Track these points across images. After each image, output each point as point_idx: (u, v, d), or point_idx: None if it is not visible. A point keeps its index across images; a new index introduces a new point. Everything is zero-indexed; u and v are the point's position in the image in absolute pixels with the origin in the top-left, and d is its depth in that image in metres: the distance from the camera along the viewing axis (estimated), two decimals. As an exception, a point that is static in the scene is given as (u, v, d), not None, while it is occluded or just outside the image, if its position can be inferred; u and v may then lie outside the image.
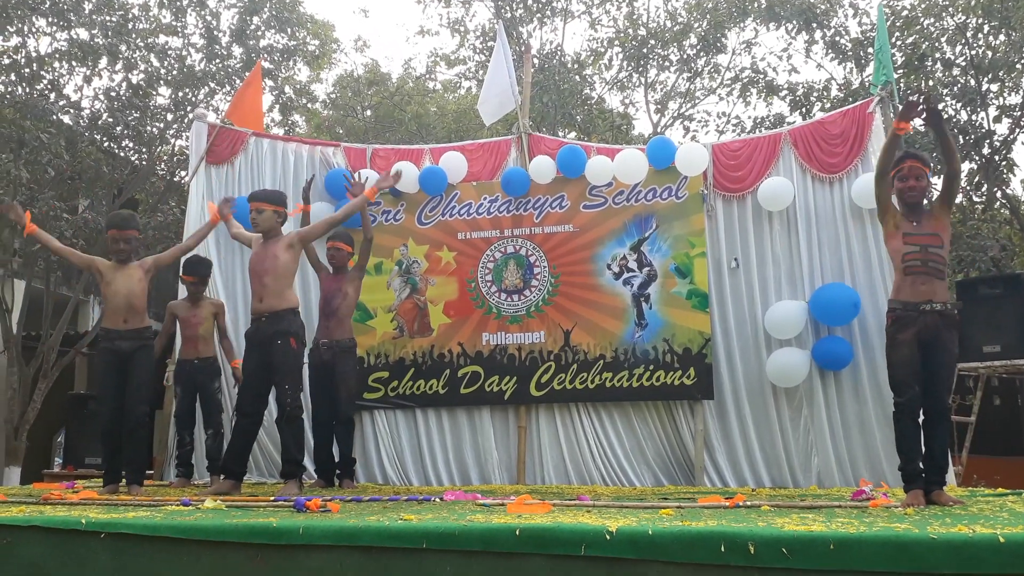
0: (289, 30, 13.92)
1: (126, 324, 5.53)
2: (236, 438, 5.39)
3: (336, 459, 6.37)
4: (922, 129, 12.19)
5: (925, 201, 4.82)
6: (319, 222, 5.66)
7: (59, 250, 5.84)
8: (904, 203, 4.68)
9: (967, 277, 11.04)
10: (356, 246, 6.49)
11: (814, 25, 13.53)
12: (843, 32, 13.59)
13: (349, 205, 5.73)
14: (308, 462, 6.50)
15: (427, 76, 19.24)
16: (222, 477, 5.41)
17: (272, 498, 4.56)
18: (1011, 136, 12.59)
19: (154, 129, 12.64)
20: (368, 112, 18.40)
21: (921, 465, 4.45)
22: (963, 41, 12.24)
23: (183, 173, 12.46)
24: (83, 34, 11.77)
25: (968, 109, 12.33)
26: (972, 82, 12.15)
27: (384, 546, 3.04)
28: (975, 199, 13.30)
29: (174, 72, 12.59)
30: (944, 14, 12.48)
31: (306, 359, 5.86)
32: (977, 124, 12.32)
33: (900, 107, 5.43)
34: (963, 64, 12.36)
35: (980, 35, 12.36)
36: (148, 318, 5.73)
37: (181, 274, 6.62)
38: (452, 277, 7.20)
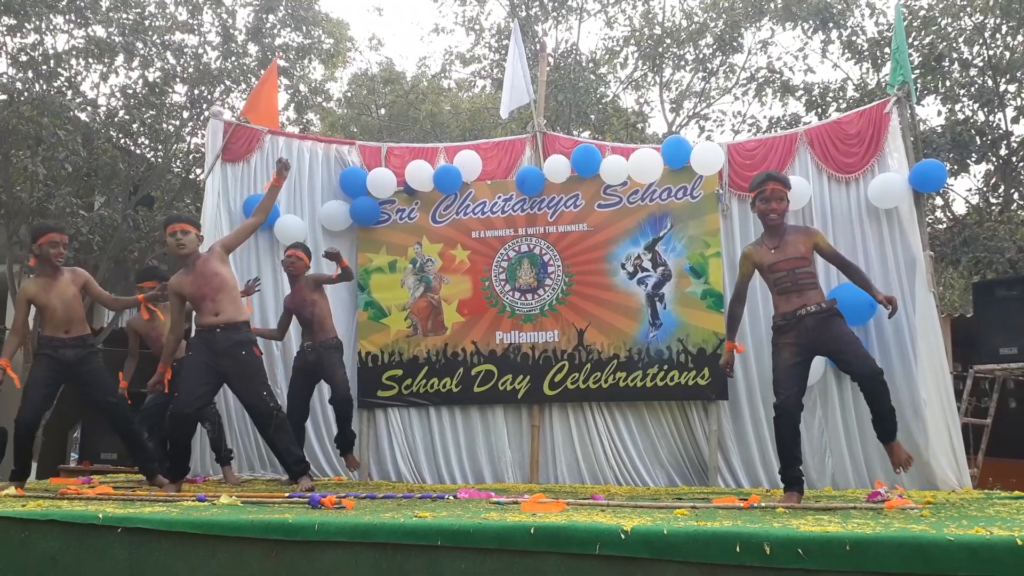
0: (304, 28, 13.98)
1: (68, 333, 5.49)
2: (180, 441, 5.30)
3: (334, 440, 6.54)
4: (939, 129, 12.19)
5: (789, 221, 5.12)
6: (239, 229, 5.59)
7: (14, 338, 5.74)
8: (765, 225, 4.96)
9: (984, 279, 10.97)
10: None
11: (830, 25, 13.46)
12: (860, 32, 13.52)
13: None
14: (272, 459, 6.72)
15: (442, 75, 19.26)
16: (168, 480, 5.35)
17: (287, 494, 4.58)
18: (1029, 137, 12.49)
19: (170, 127, 12.71)
20: (382, 111, 18.45)
21: (801, 470, 4.67)
22: (981, 41, 12.15)
23: (199, 171, 12.51)
24: (100, 31, 11.85)
25: (985, 110, 12.23)
26: (990, 83, 12.07)
27: (399, 543, 3.05)
28: (992, 200, 13.21)
29: (190, 70, 12.65)
30: (962, 14, 12.38)
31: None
32: (994, 125, 12.23)
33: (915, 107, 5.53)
34: (981, 65, 12.27)
35: (998, 35, 12.26)
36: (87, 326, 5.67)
37: (137, 282, 6.55)
38: (466, 276, 7.20)
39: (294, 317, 6.56)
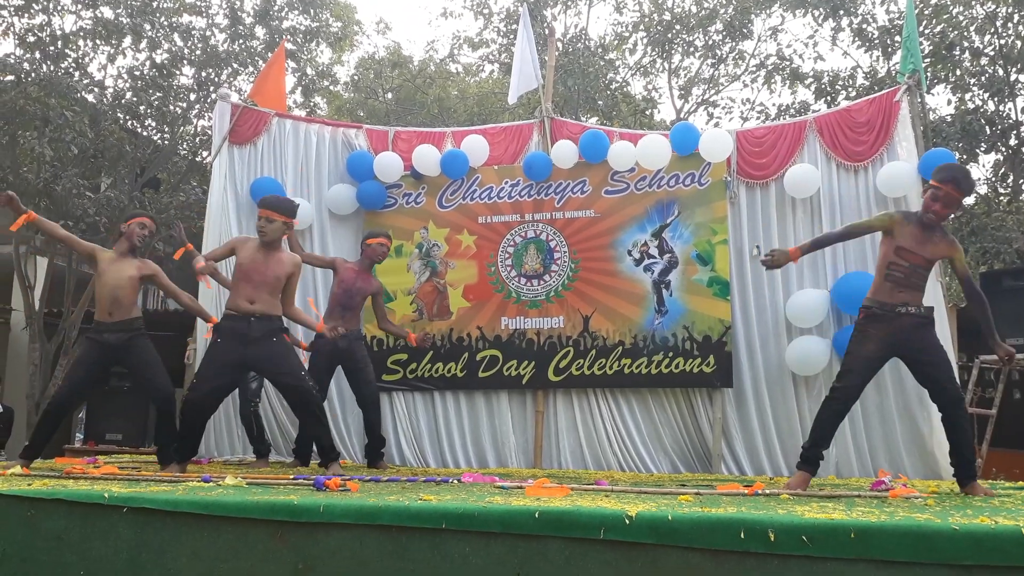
0: (312, 11, 13.94)
1: (111, 317, 5.42)
2: (193, 422, 5.27)
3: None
4: (948, 118, 12.12)
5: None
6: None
7: (64, 238, 5.74)
8: (922, 218, 4.62)
9: (991, 269, 10.93)
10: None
11: (841, 12, 13.38)
12: (870, 19, 13.44)
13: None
14: (284, 443, 6.87)
15: (449, 59, 19.20)
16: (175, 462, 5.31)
17: (292, 476, 4.59)
18: (1038, 127, 12.42)
19: (177, 109, 12.70)
20: (389, 95, 18.39)
21: (824, 453, 4.54)
22: (992, 30, 12.07)
23: (205, 153, 12.52)
24: (108, 13, 11.83)
25: (996, 99, 12.17)
26: (1000, 72, 11.99)
27: (403, 526, 3.04)
28: (1000, 190, 13.16)
29: (197, 52, 12.62)
30: (973, 2, 12.31)
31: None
32: (1004, 115, 12.16)
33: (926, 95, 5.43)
34: (992, 54, 12.19)
35: (1010, 24, 12.18)
36: (136, 310, 5.54)
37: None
38: (472, 261, 7.20)
39: (335, 298, 6.36)
